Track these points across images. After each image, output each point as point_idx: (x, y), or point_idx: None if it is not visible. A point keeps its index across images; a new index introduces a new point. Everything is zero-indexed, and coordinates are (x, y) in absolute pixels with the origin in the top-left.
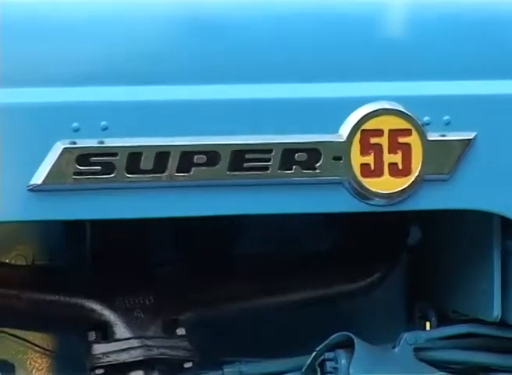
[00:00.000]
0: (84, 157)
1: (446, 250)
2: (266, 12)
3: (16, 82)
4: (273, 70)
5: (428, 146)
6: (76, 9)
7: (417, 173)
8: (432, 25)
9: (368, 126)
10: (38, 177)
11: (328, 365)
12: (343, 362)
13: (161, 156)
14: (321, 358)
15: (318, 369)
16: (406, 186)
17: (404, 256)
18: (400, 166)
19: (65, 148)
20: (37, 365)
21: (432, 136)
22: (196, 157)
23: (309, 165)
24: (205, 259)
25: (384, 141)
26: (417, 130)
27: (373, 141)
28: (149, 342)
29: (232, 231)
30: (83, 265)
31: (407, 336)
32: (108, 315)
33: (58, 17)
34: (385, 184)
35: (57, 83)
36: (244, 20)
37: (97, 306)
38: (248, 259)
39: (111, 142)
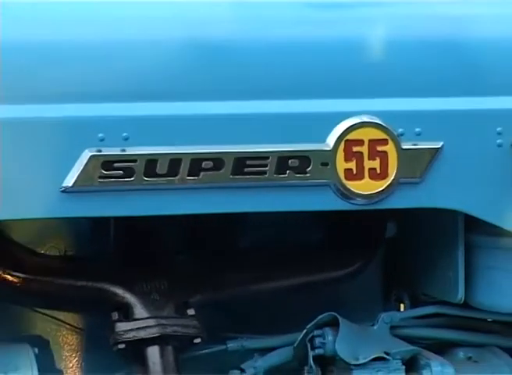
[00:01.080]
0: (108, 163)
1: (418, 243)
2: (265, 43)
3: (50, 99)
4: (270, 89)
5: (402, 154)
6: (105, 36)
7: (392, 177)
8: (406, 49)
9: (350, 136)
10: (69, 180)
11: (317, 340)
12: (329, 338)
13: (174, 162)
14: (311, 334)
15: (308, 344)
16: (383, 188)
17: (382, 248)
18: (378, 171)
19: (92, 156)
20: (67, 341)
21: (406, 145)
22: (204, 163)
23: (300, 170)
24: (211, 251)
25: (364, 149)
26: (392, 140)
27: (355, 149)
28: (164, 321)
29: (234, 227)
30: (107, 255)
31: (384, 316)
32: (129, 298)
33: (90, 43)
34: (365, 186)
35: (85, 100)
36: (245, 49)
37: (119, 290)
38: (248, 251)
39: (131, 150)
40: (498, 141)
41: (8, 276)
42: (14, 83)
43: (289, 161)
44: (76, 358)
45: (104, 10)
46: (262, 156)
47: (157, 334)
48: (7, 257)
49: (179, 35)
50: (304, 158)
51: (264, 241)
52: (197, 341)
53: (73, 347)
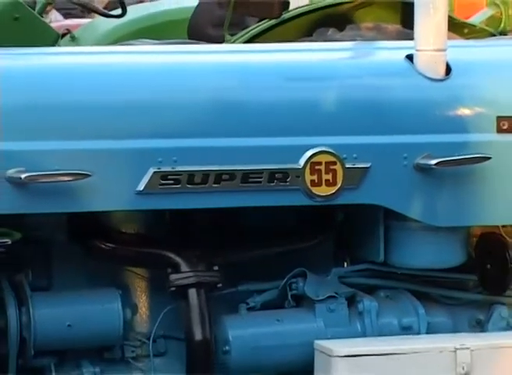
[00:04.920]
0: (164, 176)
1: (357, 224)
2: (258, 101)
3: (130, 136)
4: (265, 130)
5: (346, 170)
6: (162, 100)
7: (339, 185)
8: (346, 107)
9: (314, 159)
10: (140, 187)
11: (293, 285)
12: (301, 284)
13: (205, 175)
14: (290, 281)
15: (288, 288)
16: (334, 191)
17: (334, 228)
18: (331, 181)
19: (154, 171)
20: (140, 285)
21: (348, 165)
22: (223, 176)
23: (283, 180)
24: (228, 231)
25: (322, 167)
26: (340, 162)
27: (316, 167)
28: (199, 273)
29: (241, 217)
30: (164, 233)
31: (334, 270)
32: (178, 260)
33: (155, 100)
34: (323, 190)
35: (149, 137)
36: (248, 106)
37: (172, 255)
38: (250, 231)
39: (179, 168)
40: (404, 162)
41: (103, 246)
42: (108, 125)
43: (276, 175)
44: (145, 297)
45: (167, 77)
46: (259, 172)
47: (194, 281)
48: (102, 233)
49: (204, 97)
50: (285, 173)
51: (260, 225)
52: (219, 285)
53: (143, 289)
